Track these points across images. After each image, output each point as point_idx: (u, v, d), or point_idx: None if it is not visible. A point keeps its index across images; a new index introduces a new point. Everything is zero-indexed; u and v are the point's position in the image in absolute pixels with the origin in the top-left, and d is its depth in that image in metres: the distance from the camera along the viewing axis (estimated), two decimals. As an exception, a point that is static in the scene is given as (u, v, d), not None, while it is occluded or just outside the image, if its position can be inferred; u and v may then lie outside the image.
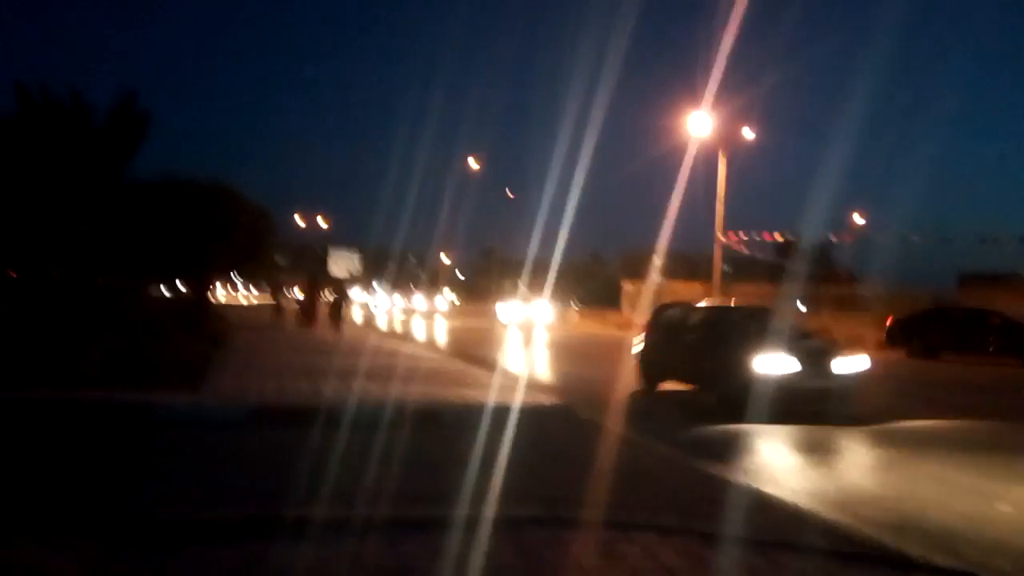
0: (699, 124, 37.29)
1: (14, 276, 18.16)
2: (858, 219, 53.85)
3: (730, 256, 48.89)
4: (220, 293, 62.84)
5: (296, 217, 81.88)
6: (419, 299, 51.48)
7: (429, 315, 46.65)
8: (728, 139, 39.97)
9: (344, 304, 27.82)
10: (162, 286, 30.87)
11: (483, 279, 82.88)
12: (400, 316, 46.94)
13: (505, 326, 32.42)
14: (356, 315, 44.96)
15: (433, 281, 61.32)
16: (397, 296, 58.57)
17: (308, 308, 27.26)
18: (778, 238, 54.11)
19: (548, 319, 32.60)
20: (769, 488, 6.09)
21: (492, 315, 41.64)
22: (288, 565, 3.66)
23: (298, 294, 33.78)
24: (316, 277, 30.29)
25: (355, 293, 67.59)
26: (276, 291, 33.25)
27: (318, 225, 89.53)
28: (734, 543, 4.34)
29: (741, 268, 66.08)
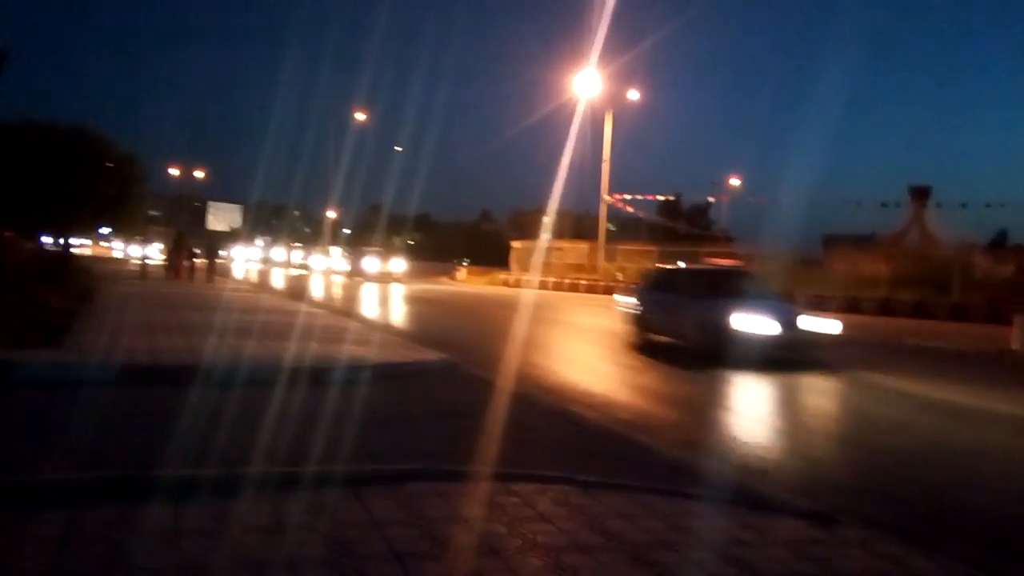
0: (587, 83, 37.63)
1: None
2: (734, 181, 56.10)
3: (615, 216, 50.06)
4: (87, 245, 59.09)
5: (172, 170, 77.67)
6: (370, 260, 38.51)
7: (384, 279, 36.22)
8: (615, 100, 40.71)
9: (215, 258, 27.55)
10: (23, 238, 28.80)
11: (369, 234, 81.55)
12: (346, 282, 35.37)
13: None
14: (277, 279, 36.83)
15: (321, 237, 58.93)
16: (334, 256, 45.30)
17: (174, 263, 26.36)
18: (660, 199, 55.57)
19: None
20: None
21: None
22: (153, 525, 3.54)
23: (164, 249, 32.11)
24: (183, 231, 29.21)
25: (274, 252, 61.96)
26: (144, 245, 32.03)
27: (196, 178, 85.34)
28: (610, 490, 4.52)
29: (626, 227, 67.90)
